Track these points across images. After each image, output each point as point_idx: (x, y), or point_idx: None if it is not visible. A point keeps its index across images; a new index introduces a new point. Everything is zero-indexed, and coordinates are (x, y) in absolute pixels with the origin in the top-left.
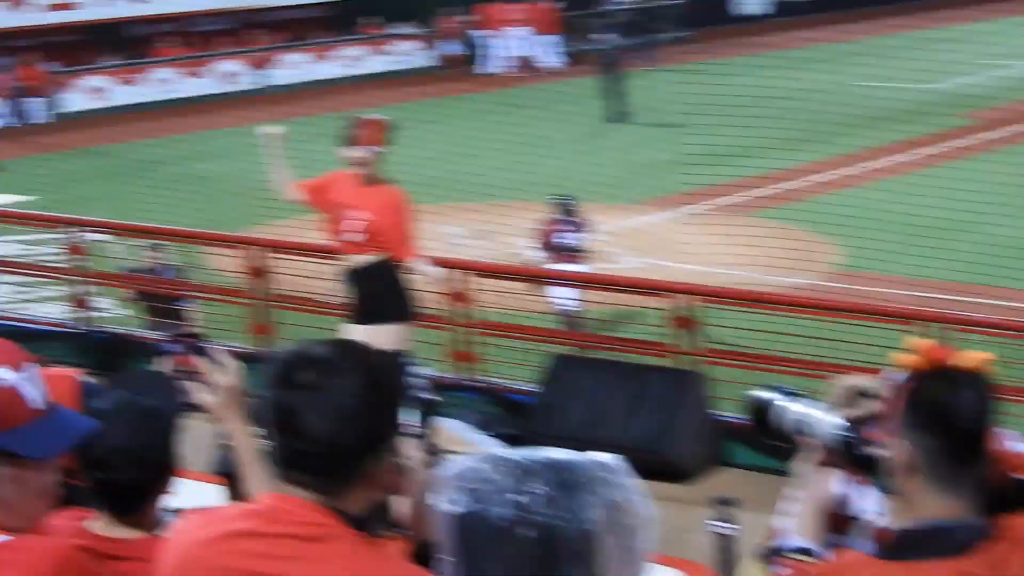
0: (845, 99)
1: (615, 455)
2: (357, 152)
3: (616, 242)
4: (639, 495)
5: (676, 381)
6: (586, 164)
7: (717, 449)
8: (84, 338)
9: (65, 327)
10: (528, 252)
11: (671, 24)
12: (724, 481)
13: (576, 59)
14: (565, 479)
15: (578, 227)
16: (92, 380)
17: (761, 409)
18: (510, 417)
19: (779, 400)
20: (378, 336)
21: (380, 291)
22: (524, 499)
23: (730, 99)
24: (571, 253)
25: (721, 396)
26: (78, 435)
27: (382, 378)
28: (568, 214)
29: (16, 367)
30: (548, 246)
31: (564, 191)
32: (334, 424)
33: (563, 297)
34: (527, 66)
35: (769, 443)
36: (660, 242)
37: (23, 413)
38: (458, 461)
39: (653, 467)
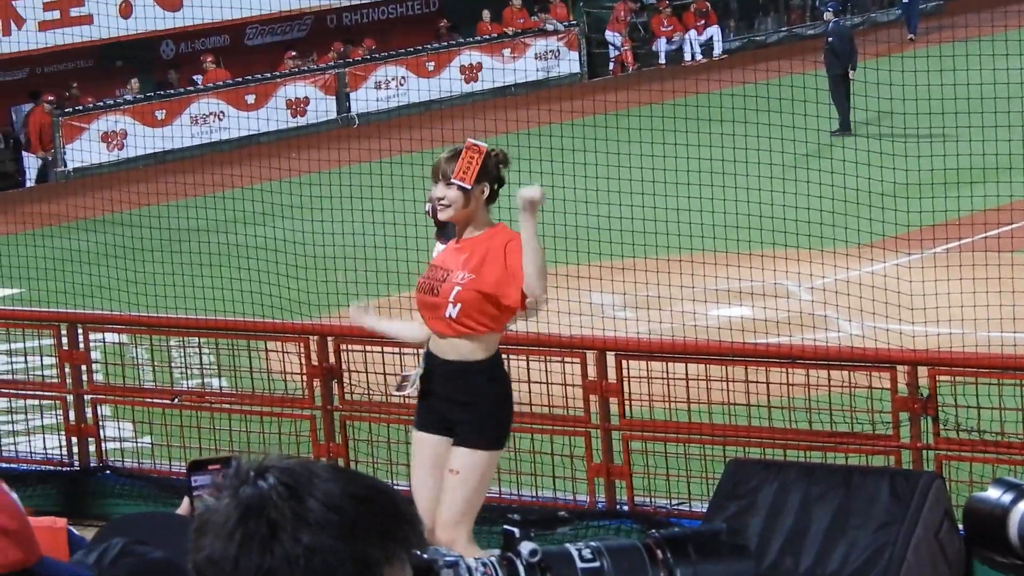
0: None
1: None
2: (441, 191)
3: (827, 301)
4: None
5: (901, 487)
6: (788, 196)
7: None
8: (80, 481)
9: (55, 465)
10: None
11: None
12: None
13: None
14: None
15: None
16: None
17: (993, 517)
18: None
19: None
20: (469, 463)
21: (475, 395)
22: None
23: (990, 89)
24: None
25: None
26: None
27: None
28: None
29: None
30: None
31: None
32: None
33: None
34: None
35: (1007, 565)
36: (888, 298)
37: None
38: None
39: None
